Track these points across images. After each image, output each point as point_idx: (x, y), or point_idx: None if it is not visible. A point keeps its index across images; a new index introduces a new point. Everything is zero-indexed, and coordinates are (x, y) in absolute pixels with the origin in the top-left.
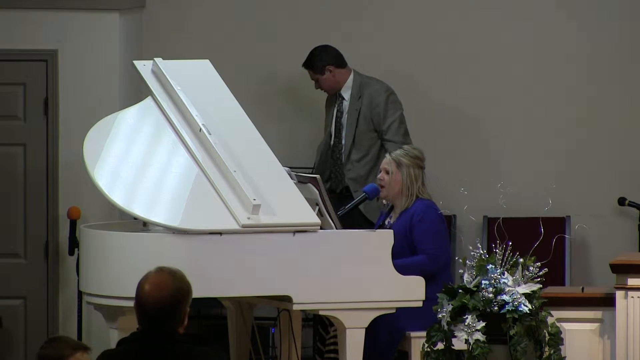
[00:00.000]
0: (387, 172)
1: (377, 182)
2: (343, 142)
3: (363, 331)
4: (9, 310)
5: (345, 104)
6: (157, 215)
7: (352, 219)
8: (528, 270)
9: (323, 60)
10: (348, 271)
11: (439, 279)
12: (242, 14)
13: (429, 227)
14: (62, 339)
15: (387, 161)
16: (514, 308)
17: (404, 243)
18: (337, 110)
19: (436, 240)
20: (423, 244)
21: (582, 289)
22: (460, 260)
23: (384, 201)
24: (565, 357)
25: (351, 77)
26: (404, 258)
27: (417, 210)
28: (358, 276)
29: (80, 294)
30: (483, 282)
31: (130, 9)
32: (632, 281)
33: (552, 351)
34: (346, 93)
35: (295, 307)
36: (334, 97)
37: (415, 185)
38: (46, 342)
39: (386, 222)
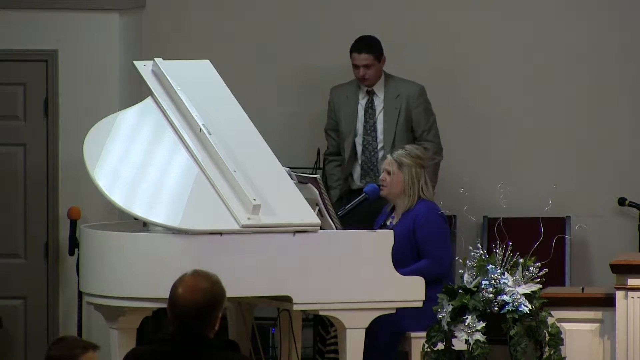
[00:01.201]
0: (389, 173)
1: (379, 183)
2: (380, 139)
3: (363, 331)
4: (9, 310)
5: (378, 101)
6: (157, 215)
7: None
8: (528, 270)
9: (381, 49)
10: (348, 271)
11: (441, 279)
12: (242, 14)
13: (433, 230)
14: (71, 338)
15: (388, 162)
16: (514, 308)
17: (407, 244)
18: (368, 108)
19: (440, 243)
20: (427, 248)
21: (582, 289)
22: (461, 260)
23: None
24: (565, 357)
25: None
26: (409, 266)
27: (420, 212)
28: (358, 276)
29: (80, 294)
30: (483, 282)
31: (131, 9)
32: (632, 281)
33: (552, 351)
34: (379, 90)
35: (295, 308)
36: (355, 95)
37: (417, 185)
38: (55, 342)
39: (388, 223)
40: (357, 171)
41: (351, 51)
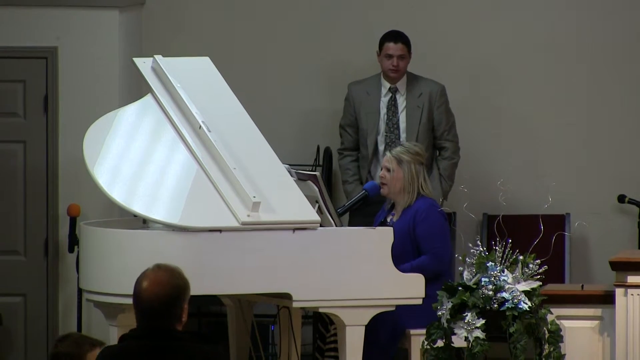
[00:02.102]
0: (388, 170)
1: (378, 180)
2: (402, 137)
3: (363, 329)
4: (9, 307)
5: (401, 99)
6: (157, 212)
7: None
8: (528, 267)
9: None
10: (348, 269)
11: (441, 276)
12: (241, 11)
13: (433, 226)
14: (77, 335)
15: (387, 159)
16: (513, 305)
17: (407, 241)
18: (391, 105)
19: (440, 239)
20: (427, 244)
21: (582, 286)
22: (460, 257)
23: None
24: (564, 354)
25: None
26: (409, 262)
27: (419, 209)
28: (358, 273)
29: (80, 291)
30: (483, 279)
31: (130, 6)
32: (632, 279)
33: (551, 349)
34: (402, 87)
35: (295, 305)
36: (377, 91)
37: (417, 182)
38: (61, 339)
39: (388, 220)
40: (379, 168)
41: (384, 41)
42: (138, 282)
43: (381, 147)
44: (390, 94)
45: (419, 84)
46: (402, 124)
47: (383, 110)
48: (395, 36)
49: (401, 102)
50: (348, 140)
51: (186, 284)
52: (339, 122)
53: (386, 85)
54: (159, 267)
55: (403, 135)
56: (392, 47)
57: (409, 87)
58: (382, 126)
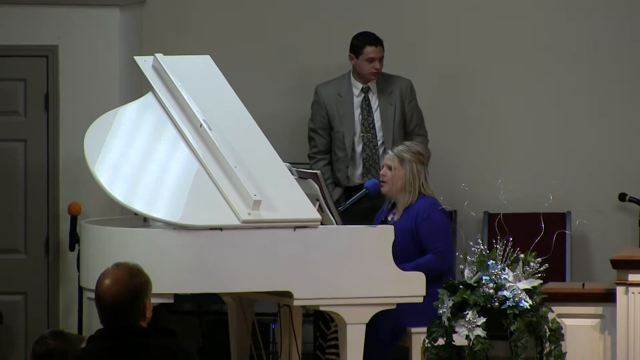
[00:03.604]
0: (390, 168)
1: (380, 179)
2: (379, 135)
3: (364, 327)
4: (10, 306)
5: (373, 97)
6: (158, 210)
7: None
8: (529, 266)
9: None
10: (348, 267)
11: (442, 275)
12: (242, 10)
13: (436, 225)
14: (64, 332)
15: (389, 157)
16: (514, 304)
17: (409, 240)
18: (365, 105)
19: (443, 238)
20: (431, 243)
21: (583, 284)
22: (461, 256)
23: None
24: (565, 352)
25: None
26: (413, 261)
27: (422, 207)
28: (359, 272)
29: (80, 289)
30: (484, 277)
31: (131, 5)
32: (633, 277)
33: (552, 347)
34: (373, 86)
35: (295, 303)
36: (349, 92)
37: (418, 181)
38: (52, 336)
39: (389, 219)
40: (358, 169)
41: (365, 45)
42: (98, 282)
43: (358, 148)
44: (363, 94)
45: (388, 81)
46: (377, 123)
47: (357, 111)
48: (375, 39)
49: (374, 101)
50: (321, 143)
51: (146, 281)
52: (309, 126)
53: (358, 85)
54: (117, 266)
55: (380, 134)
56: (374, 51)
57: (379, 86)
58: (358, 127)
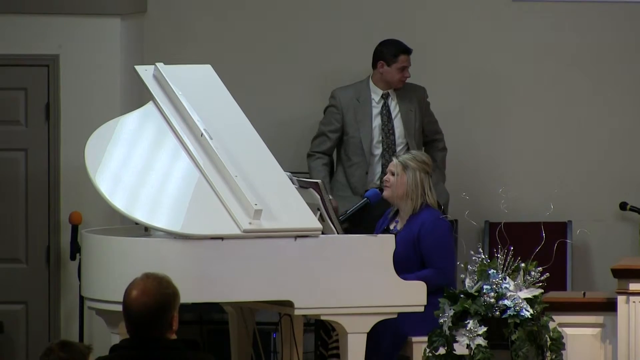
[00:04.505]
0: (393, 174)
1: (381, 186)
2: (399, 142)
3: (364, 336)
4: (10, 315)
5: (393, 104)
6: (159, 220)
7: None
8: (529, 275)
9: None
10: (349, 276)
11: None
12: (243, 19)
13: (439, 241)
14: (72, 342)
15: (393, 163)
16: (515, 313)
17: (411, 250)
18: (385, 111)
19: (446, 255)
20: (433, 258)
21: (584, 293)
22: (462, 265)
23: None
24: None
25: None
26: (412, 271)
27: (426, 220)
28: (359, 281)
29: (81, 299)
30: (484, 287)
31: (132, 14)
32: (634, 286)
33: (553, 356)
34: (392, 92)
35: (296, 312)
36: (368, 98)
37: (420, 189)
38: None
39: (392, 227)
40: (377, 174)
41: (399, 53)
42: (127, 293)
43: (377, 153)
44: (383, 100)
45: (405, 88)
46: (398, 129)
47: (377, 117)
48: (407, 47)
49: (393, 107)
50: (327, 146)
51: (175, 292)
52: (320, 127)
53: (378, 91)
54: (147, 276)
55: (399, 140)
56: (407, 59)
57: (397, 92)
58: (377, 132)
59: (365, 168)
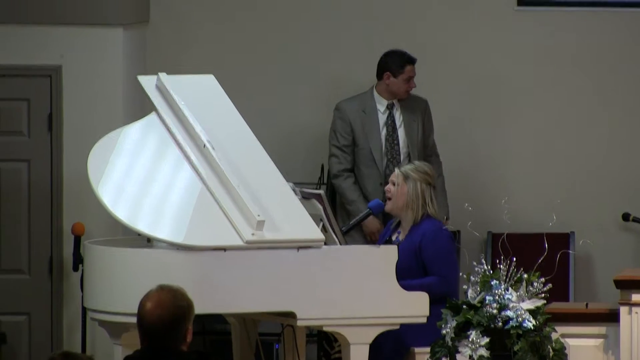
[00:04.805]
0: (394, 184)
1: (385, 195)
2: (403, 152)
3: (367, 347)
4: (13, 326)
5: (397, 114)
6: (161, 231)
7: None
8: (532, 285)
9: None
10: (352, 287)
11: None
12: (246, 29)
13: (441, 250)
14: (74, 353)
15: (395, 174)
16: (518, 324)
17: (413, 260)
18: (389, 121)
19: (448, 263)
20: (435, 267)
21: (586, 304)
22: (465, 276)
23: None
24: None
25: None
26: (414, 280)
27: (428, 230)
28: (362, 292)
29: (84, 310)
30: (487, 297)
31: (135, 24)
32: (637, 297)
33: None
34: (396, 103)
35: (299, 323)
36: (374, 109)
37: (421, 200)
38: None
39: (394, 238)
40: (381, 185)
41: (405, 63)
42: (141, 304)
43: (383, 163)
44: (388, 111)
45: (407, 99)
46: (402, 139)
47: (383, 128)
48: (412, 57)
49: (397, 117)
50: (347, 161)
51: (190, 305)
52: (333, 144)
53: (383, 102)
54: (162, 288)
55: (403, 150)
56: (413, 69)
57: (401, 103)
58: (383, 143)
59: (379, 179)
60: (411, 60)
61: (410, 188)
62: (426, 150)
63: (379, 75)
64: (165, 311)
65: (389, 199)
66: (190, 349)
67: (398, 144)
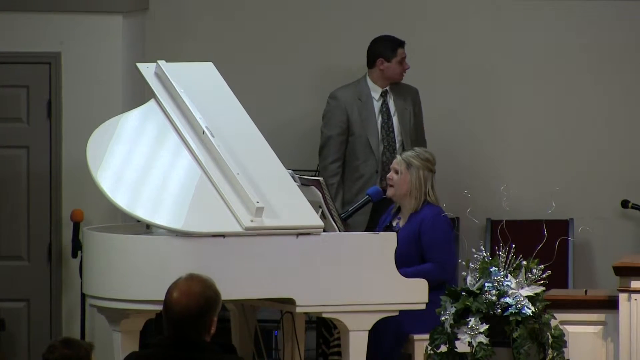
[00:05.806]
0: (397, 172)
1: (383, 186)
2: (397, 139)
3: (366, 334)
4: (12, 312)
5: (391, 102)
6: (160, 217)
7: None
8: (531, 272)
9: None
10: (351, 274)
11: (445, 282)
12: (245, 17)
13: (439, 235)
14: (75, 340)
15: (397, 161)
16: (517, 310)
17: (412, 247)
18: (384, 109)
19: (446, 249)
20: (433, 253)
21: (586, 291)
22: (464, 263)
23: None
24: (568, 359)
25: None
26: (413, 266)
27: (427, 216)
28: (361, 279)
29: (83, 296)
30: (486, 284)
31: (134, 12)
32: (635, 284)
33: (555, 354)
34: (390, 90)
35: (298, 310)
36: (370, 96)
37: (424, 188)
38: (63, 344)
39: (394, 224)
40: (377, 173)
41: (397, 47)
42: (169, 292)
43: (379, 151)
44: (382, 98)
45: (400, 87)
46: (396, 127)
47: (378, 115)
48: (401, 40)
49: (391, 104)
50: (339, 151)
51: (217, 296)
52: (326, 133)
53: (377, 89)
54: (191, 278)
55: (398, 138)
56: (404, 51)
57: (394, 91)
58: (379, 130)
59: (376, 166)
60: (400, 43)
61: (413, 176)
62: (419, 138)
63: (371, 63)
64: (193, 301)
65: (391, 186)
66: (212, 340)
67: (393, 131)
